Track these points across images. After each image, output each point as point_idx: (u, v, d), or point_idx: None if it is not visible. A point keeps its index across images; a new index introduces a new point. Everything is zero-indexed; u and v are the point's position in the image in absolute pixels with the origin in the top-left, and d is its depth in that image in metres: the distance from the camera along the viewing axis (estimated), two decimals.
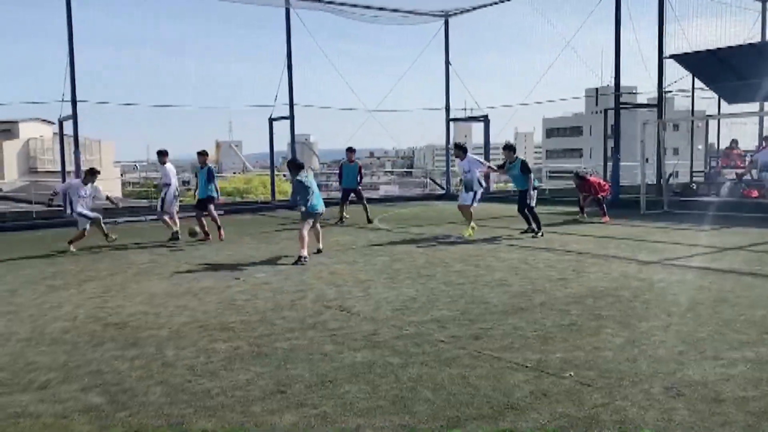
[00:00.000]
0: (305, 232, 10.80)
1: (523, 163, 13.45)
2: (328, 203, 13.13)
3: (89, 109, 18.62)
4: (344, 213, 16.78)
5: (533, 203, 13.38)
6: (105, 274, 9.85)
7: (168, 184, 13.95)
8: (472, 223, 13.36)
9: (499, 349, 5.55)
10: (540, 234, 13.04)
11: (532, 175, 13.42)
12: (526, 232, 13.40)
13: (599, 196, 15.85)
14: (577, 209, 16.61)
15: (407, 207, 21.88)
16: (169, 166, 14.13)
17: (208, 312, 7.22)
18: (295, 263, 10.38)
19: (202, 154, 14.08)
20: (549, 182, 31.24)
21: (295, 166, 11.34)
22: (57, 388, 4.89)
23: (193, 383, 4.91)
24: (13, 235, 15.91)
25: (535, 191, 13.56)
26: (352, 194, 16.72)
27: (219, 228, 13.62)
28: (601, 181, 16.73)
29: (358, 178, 16.66)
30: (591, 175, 18.46)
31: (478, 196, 13.63)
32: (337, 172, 18.09)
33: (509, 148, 13.83)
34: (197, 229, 13.66)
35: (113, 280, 9.32)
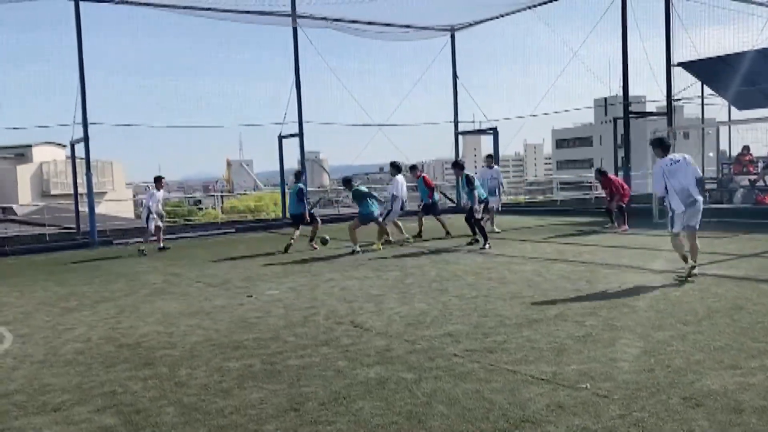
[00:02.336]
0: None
1: (467, 178, 13.85)
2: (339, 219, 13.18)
3: (101, 131, 18.78)
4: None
5: (478, 215, 13.66)
6: (118, 295, 9.87)
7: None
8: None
9: (513, 362, 5.50)
10: (487, 246, 13.28)
11: (476, 191, 13.63)
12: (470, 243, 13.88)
13: (621, 204, 15.89)
14: (591, 218, 16.51)
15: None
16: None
17: (220, 330, 7.21)
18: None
19: (298, 174, 15.60)
20: (560, 193, 31.16)
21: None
22: (71, 410, 4.88)
23: (207, 402, 4.89)
24: (26, 258, 16.01)
25: (481, 205, 13.73)
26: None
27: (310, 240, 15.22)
28: (624, 184, 16.69)
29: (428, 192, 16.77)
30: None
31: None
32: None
33: (456, 166, 14.84)
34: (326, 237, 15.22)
35: (126, 301, 9.34)
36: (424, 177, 16.93)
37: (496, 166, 15.19)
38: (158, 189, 16.45)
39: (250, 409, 4.71)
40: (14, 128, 21.14)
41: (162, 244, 16.21)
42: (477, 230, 13.74)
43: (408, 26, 24.34)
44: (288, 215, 17.28)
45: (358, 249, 13.62)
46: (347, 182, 15.29)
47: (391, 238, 14.86)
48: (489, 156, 18.01)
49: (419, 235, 16.25)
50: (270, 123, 22.62)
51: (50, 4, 19.02)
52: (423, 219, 16.75)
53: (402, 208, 15.19)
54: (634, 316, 6.94)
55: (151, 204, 16.03)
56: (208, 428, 4.39)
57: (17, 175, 37.09)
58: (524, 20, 23.82)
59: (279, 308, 8.28)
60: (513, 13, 23.48)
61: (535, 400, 4.58)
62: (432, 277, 10.13)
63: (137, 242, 16.86)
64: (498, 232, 15.78)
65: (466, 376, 5.21)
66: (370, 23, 23.35)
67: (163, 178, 16.83)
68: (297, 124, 22.16)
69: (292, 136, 22.30)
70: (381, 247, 14.12)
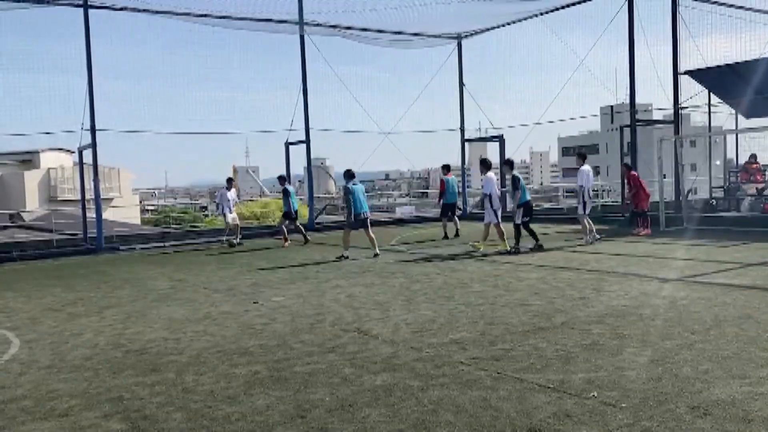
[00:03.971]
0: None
1: (514, 178, 13.93)
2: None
3: (108, 137, 18.86)
4: (447, 230, 17.50)
5: (518, 220, 13.73)
6: (125, 301, 9.89)
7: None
8: (488, 241, 14.48)
9: (520, 370, 5.49)
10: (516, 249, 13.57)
11: (519, 192, 13.69)
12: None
13: (642, 209, 16.09)
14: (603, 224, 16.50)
15: (424, 228, 21.85)
16: None
17: (227, 337, 7.22)
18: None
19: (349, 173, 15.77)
20: (566, 201, 31.08)
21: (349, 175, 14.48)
22: (78, 416, 4.89)
23: (213, 408, 4.89)
24: (34, 264, 16.06)
25: (520, 209, 13.74)
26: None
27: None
28: (645, 187, 16.74)
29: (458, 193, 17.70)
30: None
31: (498, 212, 14.41)
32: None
33: (507, 164, 15.02)
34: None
35: (133, 307, 9.36)
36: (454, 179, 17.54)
37: (490, 173, 15.16)
38: (228, 189, 18.22)
39: (257, 415, 4.71)
40: (21, 134, 21.16)
41: (237, 240, 18.25)
42: (515, 232, 13.79)
43: (415, 34, 24.41)
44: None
45: (346, 254, 13.95)
46: (351, 175, 14.77)
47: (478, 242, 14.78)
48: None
49: (457, 234, 17.19)
50: (277, 130, 22.67)
51: (59, 11, 19.08)
52: (449, 220, 17.44)
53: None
54: (641, 324, 6.91)
55: (223, 203, 18.11)
56: None
57: (25, 181, 37.25)
58: (531, 28, 23.86)
59: (285, 315, 8.29)
60: (520, 21, 23.53)
61: (542, 408, 4.57)
62: (438, 284, 10.12)
63: (227, 238, 18.39)
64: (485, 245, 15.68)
65: (473, 383, 5.20)
66: (379, 31, 23.42)
67: (234, 180, 18.76)
68: (304, 131, 22.21)
69: (299, 143, 22.36)
70: (482, 248, 14.25)
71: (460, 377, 5.37)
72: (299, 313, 8.33)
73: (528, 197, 14.15)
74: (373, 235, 14.52)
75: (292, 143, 22.53)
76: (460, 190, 18.91)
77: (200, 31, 20.76)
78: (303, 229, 17.95)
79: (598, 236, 15.10)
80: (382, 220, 25.45)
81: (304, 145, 22.31)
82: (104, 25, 18.78)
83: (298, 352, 6.43)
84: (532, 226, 14.10)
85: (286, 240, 17.50)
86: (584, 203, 14.84)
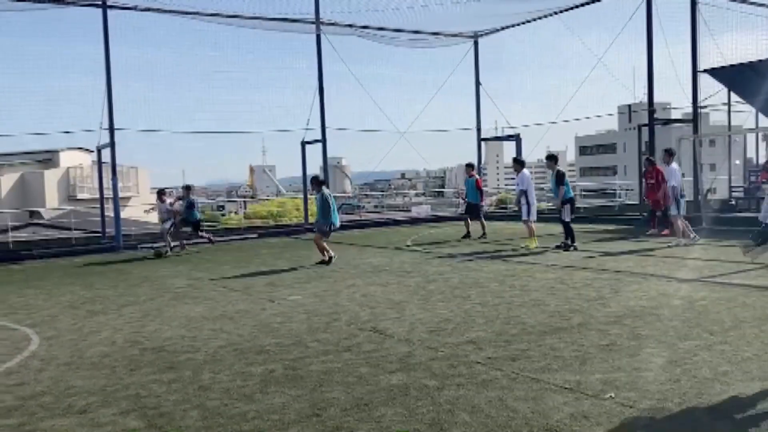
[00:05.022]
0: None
1: (558, 173, 13.74)
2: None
3: (126, 137, 19.00)
4: (470, 229, 17.25)
5: (566, 217, 13.49)
6: (143, 299, 9.97)
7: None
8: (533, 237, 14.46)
9: (536, 370, 5.46)
10: (566, 248, 13.42)
11: (563, 188, 13.60)
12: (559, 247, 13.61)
13: (663, 209, 15.84)
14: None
15: (440, 227, 21.82)
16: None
17: (243, 335, 7.25)
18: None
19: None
20: (583, 200, 30.92)
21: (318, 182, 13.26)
22: (96, 412, 4.93)
23: (230, 407, 4.91)
24: (53, 262, 16.23)
25: (567, 205, 13.65)
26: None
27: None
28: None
29: (478, 193, 17.25)
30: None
31: (531, 209, 14.46)
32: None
33: (551, 158, 14.43)
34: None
35: (151, 305, 9.43)
36: (477, 179, 17.29)
37: (525, 171, 15.15)
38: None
39: (273, 414, 4.72)
40: (41, 134, 21.39)
41: (167, 249, 17.10)
42: (566, 230, 13.69)
43: (431, 33, 24.37)
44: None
45: (329, 257, 13.03)
46: (319, 183, 13.54)
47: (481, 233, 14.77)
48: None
49: (468, 236, 16.79)
50: (293, 129, 22.73)
51: (79, 11, 19.25)
52: (472, 220, 17.20)
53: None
54: (659, 325, 6.85)
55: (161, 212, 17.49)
56: None
57: (45, 180, 37.64)
58: (548, 27, 23.76)
59: (301, 313, 8.31)
60: (537, 20, 23.42)
61: (559, 409, 4.54)
62: (454, 283, 10.10)
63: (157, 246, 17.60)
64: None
65: (489, 383, 5.18)
66: (395, 30, 23.41)
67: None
68: (320, 131, 22.26)
69: (315, 142, 22.40)
70: (535, 245, 14.24)
71: (476, 377, 5.35)
72: (315, 312, 8.34)
73: (572, 193, 14.16)
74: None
75: (308, 142, 22.58)
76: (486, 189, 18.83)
77: (217, 32, 20.87)
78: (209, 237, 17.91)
79: (696, 237, 14.17)
80: (398, 219, 25.45)
81: (320, 145, 22.36)
82: (123, 26, 18.90)
83: (313, 350, 6.44)
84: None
85: (183, 248, 17.15)
86: (677, 203, 14.11)
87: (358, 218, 26.68)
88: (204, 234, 17.74)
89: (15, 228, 22.32)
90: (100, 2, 18.11)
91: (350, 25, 22.47)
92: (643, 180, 16.88)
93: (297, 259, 14.28)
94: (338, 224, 13.42)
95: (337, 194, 34.68)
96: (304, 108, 22.22)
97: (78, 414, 4.93)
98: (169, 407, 4.96)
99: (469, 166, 17.88)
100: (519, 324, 7.17)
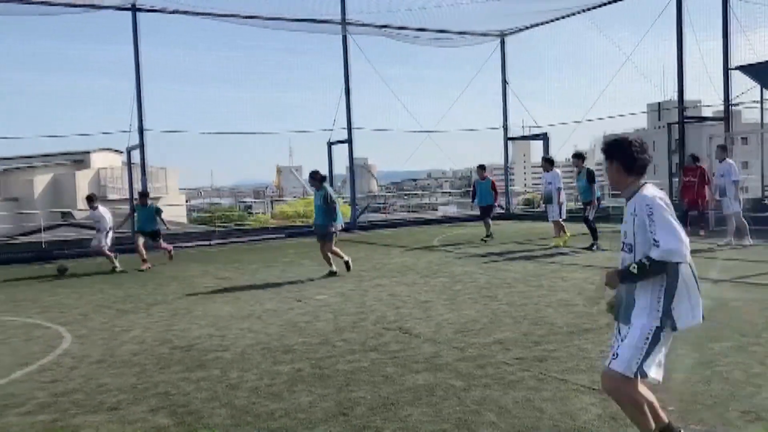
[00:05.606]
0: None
1: (588, 172, 13.64)
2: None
3: (155, 138, 19.24)
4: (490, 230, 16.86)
5: (591, 215, 13.48)
6: (172, 298, 10.09)
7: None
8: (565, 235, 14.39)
9: (564, 371, 5.42)
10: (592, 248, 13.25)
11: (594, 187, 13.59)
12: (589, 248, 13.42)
13: (703, 208, 15.60)
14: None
15: (466, 227, 21.74)
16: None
17: (271, 334, 7.30)
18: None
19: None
20: (611, 200, 30.55)
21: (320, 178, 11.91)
22: (126, 410, 5.01)
23: (258, 405, 4.96)
24: (84, 262, 16.46)
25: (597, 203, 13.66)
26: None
27: None
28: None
29: (494, 194, 17.05)
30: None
31: (562, 208, 14.42)
32: (471, 190, 18.49)
33: (578, 156, 14.31)
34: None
35: (180, 304, 9.54)
36: (492, 181, 17.19)
37: (555, 170, 15.07)
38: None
39: (300, 412, 4.75)
40: (72, 135, 21.82)
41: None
42: (591, 229, 13.64)
43: (458, 33, 24.29)
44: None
45: (345, 262, 11.76)
46: (320, 178, 11.99)
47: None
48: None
49: (490, 236, 16.51)
50: (319, 129, 22.80)
51: (109, 14, 19.54)
52: (489, 221, 16.98)
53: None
54: None
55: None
56: (259, 430, 4.45)
57: (76, 181, 38.27)
58: (575, 25, 23.53)
59: (328, 313, 8.34)
60: (565, 17, 23.21)
61: (587, 410, 4.51)
62: (481, 283, 10.06)
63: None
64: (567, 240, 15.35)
65: (516, 384, 5.15)
66: (421, 30, 23.38)
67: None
68: (346, 131, 22.31)
69: (341, 142, 22.46)
70: (565, 244, 14.21)
71: (504, 378, 5.33)
72: (342, 312, 8.37)
73: (599, 193, 14.15)
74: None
75: (334, 143, 22.64)
76: (502, 190, 18.35)
77: (244, 33, 21.08)
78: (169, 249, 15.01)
79: (751, 241, 13.60)
80: (425, 219, 25.42)
81: (346, 145, 22.41)
82: (153, 29, 19.17)
83: (340, 350, 6.46)
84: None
85: (145, 261, 13.98)
86: (738, 200, 13.68)
87: (384, 217, 26.72)
88: (164, 245, 14.88)
89: (48, 228, 22.72)
90: (129, 5, 18.35)
91: (377, 26, 22.49)
92: (681, 178, 16.53)
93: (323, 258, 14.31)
94: (343, 225, 12.24)
95: (362, 195, 34.71)
96: (331, 108, 22.29)
97: (109, 411, 5.01)
98: (198, 405, 5.02)
99: (482, 167, 17.49)
100: (547, 324, 7.12)
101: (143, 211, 14.63)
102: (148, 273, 13.28)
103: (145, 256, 13.93)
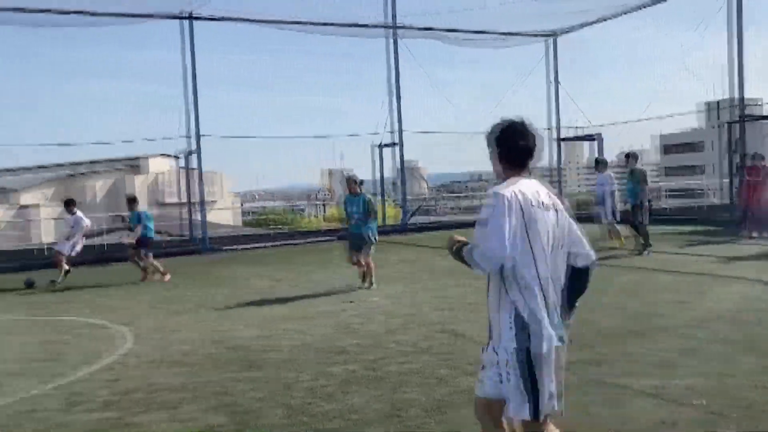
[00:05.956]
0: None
1: (640, 173, 13.32)
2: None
3: (209, 142, 19.66)
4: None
5: (643, 218, 13.11)
6: (224, 299, 10.30)
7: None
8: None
9: (616, 375, 5.38)
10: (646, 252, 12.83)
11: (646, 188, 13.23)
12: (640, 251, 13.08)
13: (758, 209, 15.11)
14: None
15: None
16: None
17: (324, 335, 7.42)
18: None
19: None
20: (667, 201, 29.90)
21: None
22: (183, 408, 5.17)
23: (313, 405, 5.06)
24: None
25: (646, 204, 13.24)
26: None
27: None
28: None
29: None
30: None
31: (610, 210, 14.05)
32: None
33: (631, 156, 13.87)
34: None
35: (233, 305, 9.74)
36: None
37: (609, 172, 14.84)
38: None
39: (353, 413, 4.84)
40: (129, 141, 22.54)
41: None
42: (642, 232, 13.24)
43: (507, 33, 24.12)
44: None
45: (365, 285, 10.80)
46: (355, 182, 10.93)
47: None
48: (600, 160, 17.13)
49: None
50: (369, 133, 22.94)
51: (165, 23, 20.06)
52: None
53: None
54: (746, 329, 6.61)
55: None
56: (314, 431, 4.55)
57: (134, 185, 39.41)
58: (627, 23, 23.12)
59: (379, 315, 8.42)
60: (618, 15, 22.81)
61: (641, 415, 4.47)
62: None
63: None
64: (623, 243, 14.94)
65: (567, 388, 5.12)
66: (470, 31, 23.31)
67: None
68: (396, 134, 22.39)
69: (391, 145, 22.55)
70: (622, 244, 13.96)
71: None
72: (394, 313, 8.44)
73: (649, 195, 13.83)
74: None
75: (383, 146, 22.74)
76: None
77: (294, 39, 21.38)
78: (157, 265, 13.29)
79: None
80: (475, 220, 25.30)
81: (395, 147, 22.49)
82: (207, 37, 19.62)
83: (392, 351, 6.53)
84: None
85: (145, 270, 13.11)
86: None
87: (434, 219, 26.70)
88: (142, 263, 13.14)
89: (107, 231, 23.46)
90: (186, 14, 18.83)
91: (426, 29, 22.51)
92: (744, 178, 15.93)
93: (376, 261, 14.41)
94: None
95: (412, 198, 34.74)
96: (380, 111, 22.39)
97: (168, 409, 5.17)
98: (254, 404, 5.16)
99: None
100: (596, 327, 7.04)
101: (133, 217, 13.61)
102: (205, 275, 13.56)
103: (161, 269, 12.98)
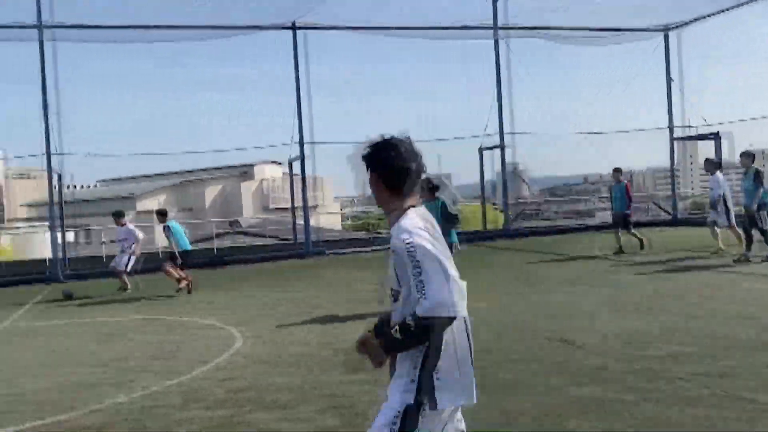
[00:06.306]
0: None
1: (756, 173, 12.26)
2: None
3: (318, 150, 20.06)
4: (621, 243, 15.27)
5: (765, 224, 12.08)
6: (329, 302, 10.40)
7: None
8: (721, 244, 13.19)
9: (749, 389, 4.98)
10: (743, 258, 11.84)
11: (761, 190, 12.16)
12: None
13: None
14: None
15: (628, 234, 20.65)
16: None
17: None
18: None
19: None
20: None
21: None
22: (296, 409, 5.23)
23: None
24: (251, 266, 17.47)
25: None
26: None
27: None
28: None
29: (627, 201, 15.28)
30: None
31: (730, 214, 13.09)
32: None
33: (746, 155, 12.81)
34: None
35: (338, 307, 9.79)
36: (627, 185, 15.78)
37: (718, 174, 13.83)
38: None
39: (464, 420, 4.70)
40: (240, 149, 23.28)
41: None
42: (746, 237, 12.33)
43: (617, 29, 23.23)
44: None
45: None
46: (433, 188, 9.25)
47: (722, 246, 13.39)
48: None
49: (621, 251, 15.08)
50: (470, 136, 22.65)
51: (270, 34, 20.63)
52: (622, 232, 15.45)
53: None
54: None
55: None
56: None
57: (242, 191, 40.90)
58: (746, 15, 21.72)
59: (488, 321, 8.23)
60: (738, 6, 21.46)
61: None
62: (648, 293, 9.51)
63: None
64: (723, 249, 14.07)
65: (694, 401, 4.80)
66: (576, 29, 22.63)
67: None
68: (498, 136, 22.02)
69: (493, 148, 22.18)
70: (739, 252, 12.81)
71: (679, 393, 4.99)
72: (501, 321, 8.23)
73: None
74: None
75: (485, 148, 22.40)
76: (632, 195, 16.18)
77: (395, 45, 21.48)
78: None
79: None
80: (582, 225, 24.56)
81: (497, 150, 22.11)
82: (315, 45, 20.02)
83: (501, 359, 6.35)
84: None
85: (180, 281, 12.35)
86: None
87: (538, 224, 26.08)
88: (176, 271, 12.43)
89: (218, 235, 24.41)
90: (290, 25, 19.31)
91: (529, 28, 22.05)
92: None
93: (480, 267, 14.21)
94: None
95: (512, 201, 34.18)
96: (482, 113, 22.10)
97: (280, 409, 5.25)
98: (364, 407, 5.12)
99: (617, 170, 15.99)
100: (725, 338, 6.59)
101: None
102: (310, 278, 13.79)
103: (177, 276, 12.34)
